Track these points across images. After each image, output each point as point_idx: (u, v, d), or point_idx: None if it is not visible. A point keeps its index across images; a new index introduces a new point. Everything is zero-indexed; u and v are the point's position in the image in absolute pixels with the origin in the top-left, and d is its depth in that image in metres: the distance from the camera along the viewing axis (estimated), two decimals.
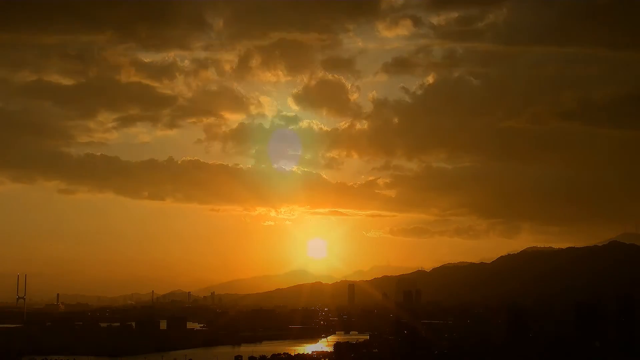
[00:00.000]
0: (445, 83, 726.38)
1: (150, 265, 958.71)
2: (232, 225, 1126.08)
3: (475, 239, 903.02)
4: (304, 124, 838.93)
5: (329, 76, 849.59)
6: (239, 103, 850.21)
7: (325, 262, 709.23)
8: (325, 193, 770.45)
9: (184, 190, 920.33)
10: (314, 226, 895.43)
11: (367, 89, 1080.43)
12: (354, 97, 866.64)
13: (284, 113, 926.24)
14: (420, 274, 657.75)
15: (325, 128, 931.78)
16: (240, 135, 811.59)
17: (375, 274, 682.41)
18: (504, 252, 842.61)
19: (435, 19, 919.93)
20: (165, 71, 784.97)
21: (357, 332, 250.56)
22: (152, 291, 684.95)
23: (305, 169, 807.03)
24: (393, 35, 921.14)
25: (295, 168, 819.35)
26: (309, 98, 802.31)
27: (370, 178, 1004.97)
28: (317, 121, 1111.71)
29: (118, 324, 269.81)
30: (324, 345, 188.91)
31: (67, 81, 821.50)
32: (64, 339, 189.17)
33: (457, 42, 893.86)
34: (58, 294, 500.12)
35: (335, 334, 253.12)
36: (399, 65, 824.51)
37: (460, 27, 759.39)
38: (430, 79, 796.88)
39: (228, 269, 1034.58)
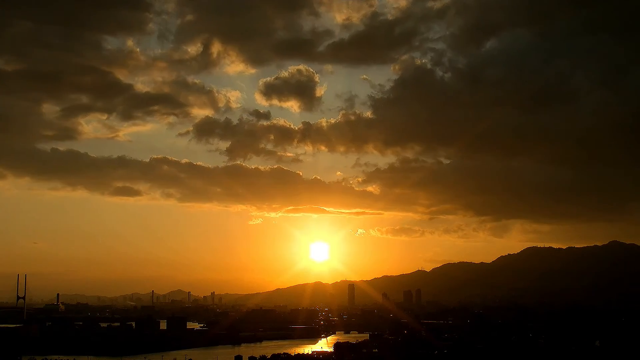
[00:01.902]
0: (414, 72, 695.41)
1: (142, 264, 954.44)
2: (220, 223, 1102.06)
3: (467, 238, 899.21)
4: (273, 118, 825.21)
5: (296, 67, 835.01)
6: (203, 96, 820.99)
7: (324, 262, 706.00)
8: (303, 190, 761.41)
9: (160, 188, 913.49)
10: (305, 225, 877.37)
11: (334, 79, 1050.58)
12: (323, 89, 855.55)
13: (252, 107, 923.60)
14: (420, 274, 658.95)
15: (295, 123, 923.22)
16: (207, 131, 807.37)
17: (375, 274, 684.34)
18: (501, 252, 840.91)
19: None
20: (119, 59, 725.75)
21: (357, 332, 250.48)
22: (152, 291, 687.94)
23: (278, 166, 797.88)
24: (350, 16, 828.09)
25: (269, 165, 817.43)
26: (277, 91, 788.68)
27: (346, 175, 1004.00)
28: (286, 115, 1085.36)
29: (118, 324, 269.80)
30: (324, 345, 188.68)
31: (7, 67, 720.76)
32: (64, 339, 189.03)
33: (420, 23, 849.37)
34: (58, 294, 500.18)
35: (335, 334, 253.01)
36: (361, 50, 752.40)
37: (422, 5, 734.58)
38: (396, 68, 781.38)
39: (225, 268, 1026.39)
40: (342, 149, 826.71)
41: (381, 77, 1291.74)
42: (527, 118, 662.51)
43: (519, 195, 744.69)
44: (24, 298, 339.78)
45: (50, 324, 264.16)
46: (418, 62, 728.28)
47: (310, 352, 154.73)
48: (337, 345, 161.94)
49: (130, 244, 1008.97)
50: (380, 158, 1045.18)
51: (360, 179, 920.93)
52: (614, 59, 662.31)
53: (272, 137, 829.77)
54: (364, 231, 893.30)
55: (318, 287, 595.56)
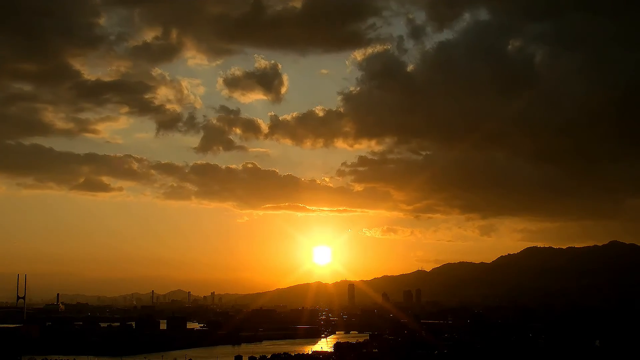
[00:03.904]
0: (383, 57, 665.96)
1: (142, 264, 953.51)
2: (211, 222, 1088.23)
3: (458, 237, 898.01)
4: (240, 112, 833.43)
5: (260, 58, 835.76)
6: (165, 88, 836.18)
7: (322, 258, 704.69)
8: (280, 188, 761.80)
9: (135, 186, 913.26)
10: (294, 224, 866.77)
11: (300, 69, 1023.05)
12: (287, 80, 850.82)
13: (215, 100, 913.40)
14: (420, 274, 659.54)
15: (259, 116, 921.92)
16: (172, 127, 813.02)
17: (375, 273, 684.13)
18: (501, 252, 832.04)
19: None
20: (66, 43, 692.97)
21: (357, 332, 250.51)
22: (152, 291, 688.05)
23: (251, 163, 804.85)
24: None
25: (240, 162, 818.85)
26: (242, 84, 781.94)
27: (321, 171, 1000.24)
28: (254, 109, 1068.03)
29: (118, 324, 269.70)
30: (324, 345, 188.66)
31: None
32: (64, 339, 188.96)
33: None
34: (58, 294, 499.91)
35: (335, 334, 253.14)
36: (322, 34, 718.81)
37: None
38: (359, 55, 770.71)
39: (224, 267, 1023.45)
40: (311, 143, 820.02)
41: (345, 62, 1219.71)
42: (505, 107, 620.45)
43: (503, 191, 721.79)
44: (24, 298, 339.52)
45: (50, 324, 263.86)
46: (383, 47, 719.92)
47: (310, 352, 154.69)
48: (337, 345, 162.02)
49: (129, 242, 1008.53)
50: (353, 153, 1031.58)
51: (336, 176, 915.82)
52: (597, 42, 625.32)
53: (239, 132, 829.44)
54: (350, 230, 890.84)
55: (318, 287, 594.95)
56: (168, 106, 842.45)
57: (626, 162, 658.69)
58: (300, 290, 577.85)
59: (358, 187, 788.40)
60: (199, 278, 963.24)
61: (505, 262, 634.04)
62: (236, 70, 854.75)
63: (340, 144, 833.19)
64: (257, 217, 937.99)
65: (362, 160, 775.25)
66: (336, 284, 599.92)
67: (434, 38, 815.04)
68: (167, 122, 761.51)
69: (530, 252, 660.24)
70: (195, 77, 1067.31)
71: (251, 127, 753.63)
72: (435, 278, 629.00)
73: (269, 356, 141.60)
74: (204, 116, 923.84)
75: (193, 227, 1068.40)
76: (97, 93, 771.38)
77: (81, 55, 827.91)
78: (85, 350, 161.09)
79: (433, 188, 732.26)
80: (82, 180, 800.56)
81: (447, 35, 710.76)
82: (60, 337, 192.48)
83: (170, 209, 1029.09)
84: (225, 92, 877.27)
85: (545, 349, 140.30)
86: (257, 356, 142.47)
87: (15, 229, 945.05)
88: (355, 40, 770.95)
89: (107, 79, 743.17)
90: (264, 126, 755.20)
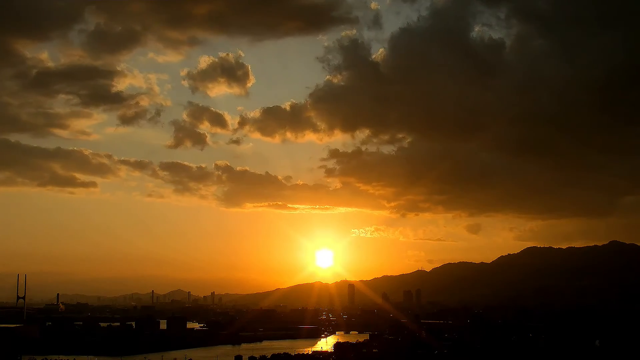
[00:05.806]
0: (348, 45, 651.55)
1: (142, 263, 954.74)
2: (200, 220, 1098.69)
3: (447, 236, 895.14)
4: (209, 107, 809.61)
5: (225, 51, 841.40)
6: (128, 83, 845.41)
7: (319, 256, 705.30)
8: (263, 187, 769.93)
9: (110, 183, 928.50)
10: (288, 223, 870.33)
11: (264, 61, 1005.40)
12: (251, 73, 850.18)
13: (181, 94, 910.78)
14: (420, 274, 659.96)
15: (231, 113, 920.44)
16: (138, 123, 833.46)
17: (375, 273, 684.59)
18: (501, 252, 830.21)
19: None
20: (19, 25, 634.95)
21: (357, 332, 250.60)
22: (152, 291, 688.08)
23: (224, 161, 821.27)
24: None
25: (215, 161, 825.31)
26: (207, 79, 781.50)
27: (297, 168, 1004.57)
28: (220, 105, 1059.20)
29: (118, 324, 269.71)
30: (324, 345, 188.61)
31: None
32: (64, 339, 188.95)
33: None
34: (58, 294, 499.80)
35: (335, 334, 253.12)
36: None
37: None
38: (326, 41, 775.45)
39: (220, 264, 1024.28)
40: (281, 138, 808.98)
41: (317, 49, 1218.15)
42: (483, 95, 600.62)
43: (487, 185, 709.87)
44: (24, 298, 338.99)
45: (50, 324, 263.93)
46: (347, 32, 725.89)
47: (310, 352, 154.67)
48: (337, 345, 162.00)
49: (124, 242, 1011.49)
50: (325, 147, 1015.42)
51: (312, 173, 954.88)
52: (577, 22, 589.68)
53: (208, 126, 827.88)
54: (341, 229, 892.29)
55: (318, 287, 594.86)
56: (126, 95, 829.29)
57: (617, 155, 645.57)
58: (301, 290, 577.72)
59: (337, 184, 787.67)
60: (199, 278, 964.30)
61: (505, 262, 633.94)
62: (202, 61, 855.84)
63: (312, 137, 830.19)
64: (248, 216, 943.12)
65: (335, 154, 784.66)
66: (336, 284, 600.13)
67: (400, 24, 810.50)
68: (130, 117, 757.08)
69: (530, 252, 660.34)
70: (158, 70, 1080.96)
71: (220, 122, 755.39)
72: (435, 278, 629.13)
73: (269, 356, 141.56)
74: (170, 114, 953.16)
75: (189, 226, 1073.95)
76: (49, 83, 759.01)
77: (29, 41, 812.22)
78: (85, 350, 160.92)
79: (413, 182, 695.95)
80: (52, 176, 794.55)
81: (414, 20, 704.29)
82: (60, 337, 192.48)
83: (155, 207, 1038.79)
84: (187, 82, 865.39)
85: (545, 349, 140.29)
86: (257, 356, 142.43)
87: (7, 228, 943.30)
88: (314, 18, 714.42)
89: (62, 68, 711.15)
90: (233, 121, 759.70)
